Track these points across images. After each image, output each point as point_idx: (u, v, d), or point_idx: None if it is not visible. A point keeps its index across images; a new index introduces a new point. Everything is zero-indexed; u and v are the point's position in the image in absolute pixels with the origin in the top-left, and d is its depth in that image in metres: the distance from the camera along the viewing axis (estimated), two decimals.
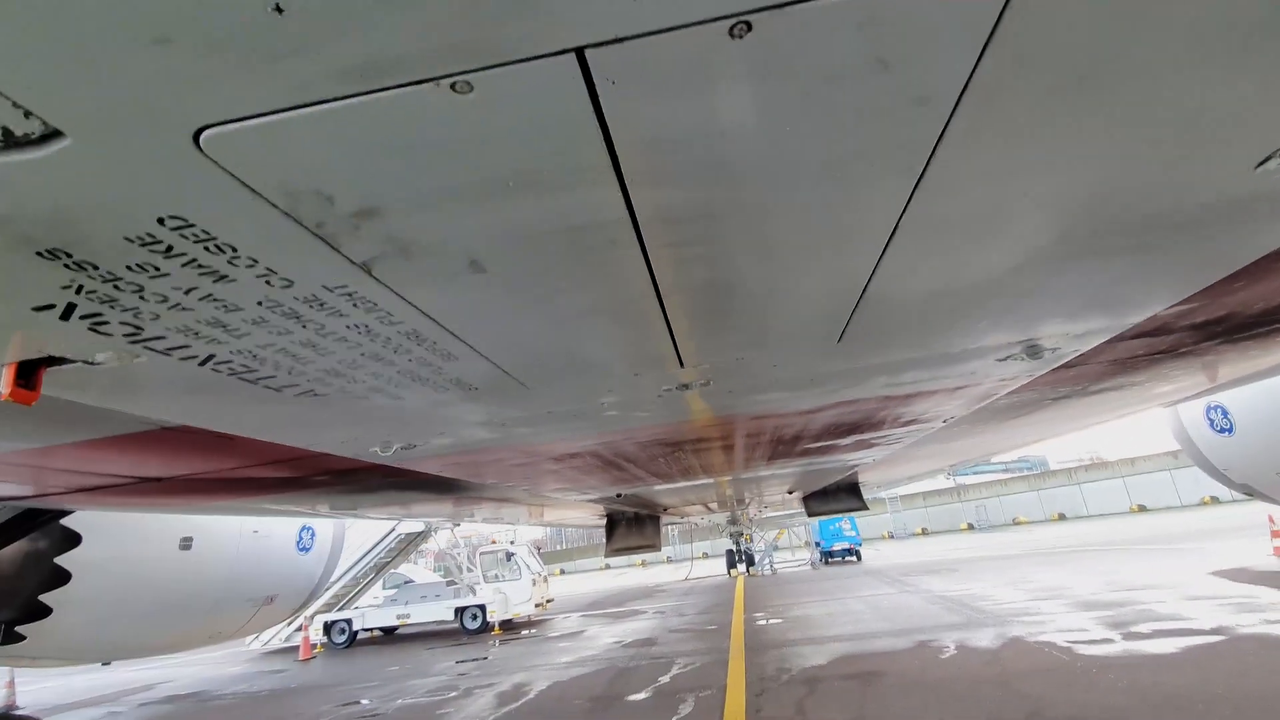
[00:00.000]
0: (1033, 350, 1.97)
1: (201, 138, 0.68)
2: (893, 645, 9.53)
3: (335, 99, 0.65)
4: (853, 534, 28.86)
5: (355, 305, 1.11)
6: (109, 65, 0.58)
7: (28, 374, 1.19)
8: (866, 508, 10.40)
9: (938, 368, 2.15)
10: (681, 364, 1.75)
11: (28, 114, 0.62)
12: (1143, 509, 41.11)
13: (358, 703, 10.11)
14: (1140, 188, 1.06)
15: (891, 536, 47.43)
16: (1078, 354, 2.12)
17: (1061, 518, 43.91)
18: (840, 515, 15.02)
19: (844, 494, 9.92)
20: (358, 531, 17.24)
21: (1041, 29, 0.68)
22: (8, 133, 0.64)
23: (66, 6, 0.52)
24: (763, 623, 13.33)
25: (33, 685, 15.09)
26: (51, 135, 0.65)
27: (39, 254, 0.85)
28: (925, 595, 14.55)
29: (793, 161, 0.84)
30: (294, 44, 0.58)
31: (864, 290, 1.33)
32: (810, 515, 11.07)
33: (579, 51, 0.62)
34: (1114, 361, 3.44)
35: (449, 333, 1.30)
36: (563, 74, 0.65)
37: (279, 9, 0.54)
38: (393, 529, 17.74)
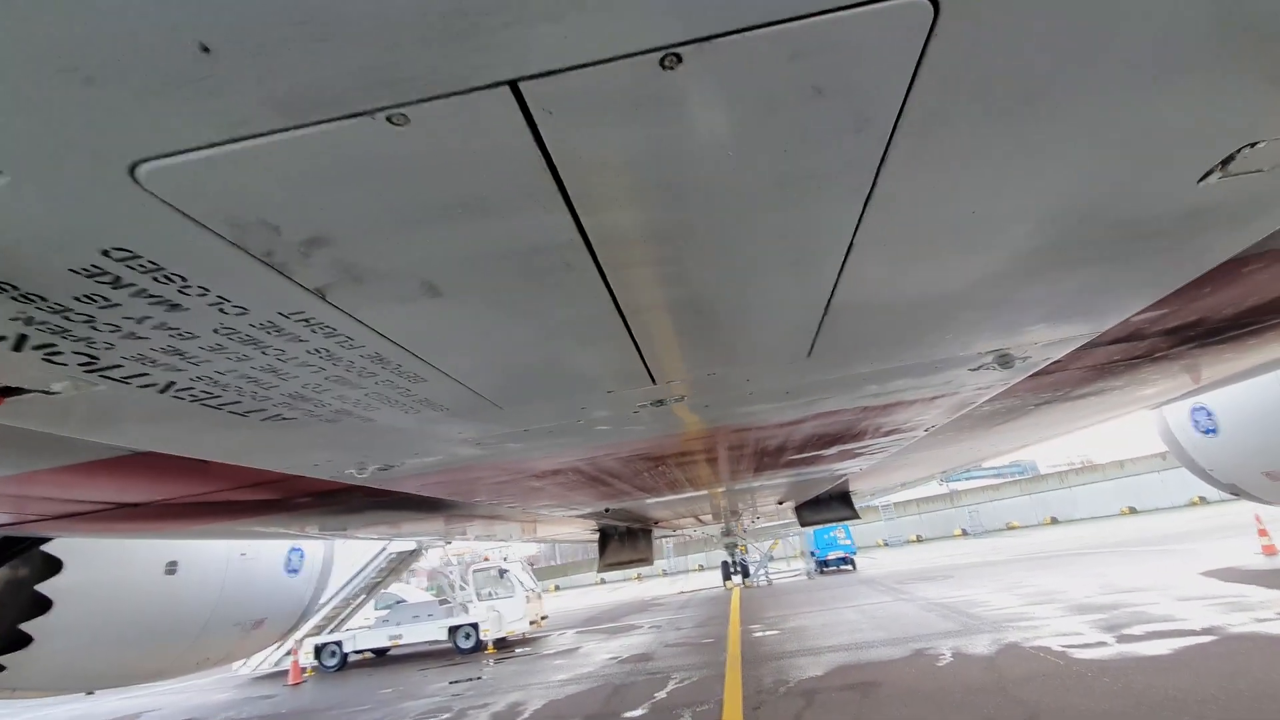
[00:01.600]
0: (1004, 360, 1.98)
1: (138, 172, 0.68)
2: (889, 654, 9.51)
3: (271, 132, 0.65)
4: (847, 542, 28.82)
5: (314, 331, 1.11)
6: (42, 104, 0.58)
7: None
8: (858, 516, 10.41)
9: (912, 378, 2.16)
10: (654, 380, 1.75)
11: None
12: (1133, 511, 41.38)
13: None
14: (1089, 203, 1.08)
15: (886, 544, 47.43)
16: (1050, 361, 2.14)
17: (1054, 521, 44.11)
18: (833, 524, 15.01)
19: (835, 503, 9.92)
20: (348, 551, 17.03)
21: (969, 56, 0.69)
22: None
23: None
24: (759, 635, 13.26)
25: (12, 718, 14.74)
26: None
27: None
28: (921, 603, 14.54)
29: (740, 184, 0.85)
30: (224, 81, 0.58)
31: (827, 305, 1.34)
32: (803, 525, 11.05)
33: (513, 84, 0.63)
34: (1092, 367, 3.48)
35: (413, 355, 1.29)
36: (499, 106, 0.65)
37: (205, 49, 0.54)
38: (383, 548, 17.56)
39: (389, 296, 1.02)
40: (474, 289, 1.04)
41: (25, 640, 6.10)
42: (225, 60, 0.55)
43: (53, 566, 6.32)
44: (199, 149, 0.66)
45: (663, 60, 0.63)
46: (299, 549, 10.38)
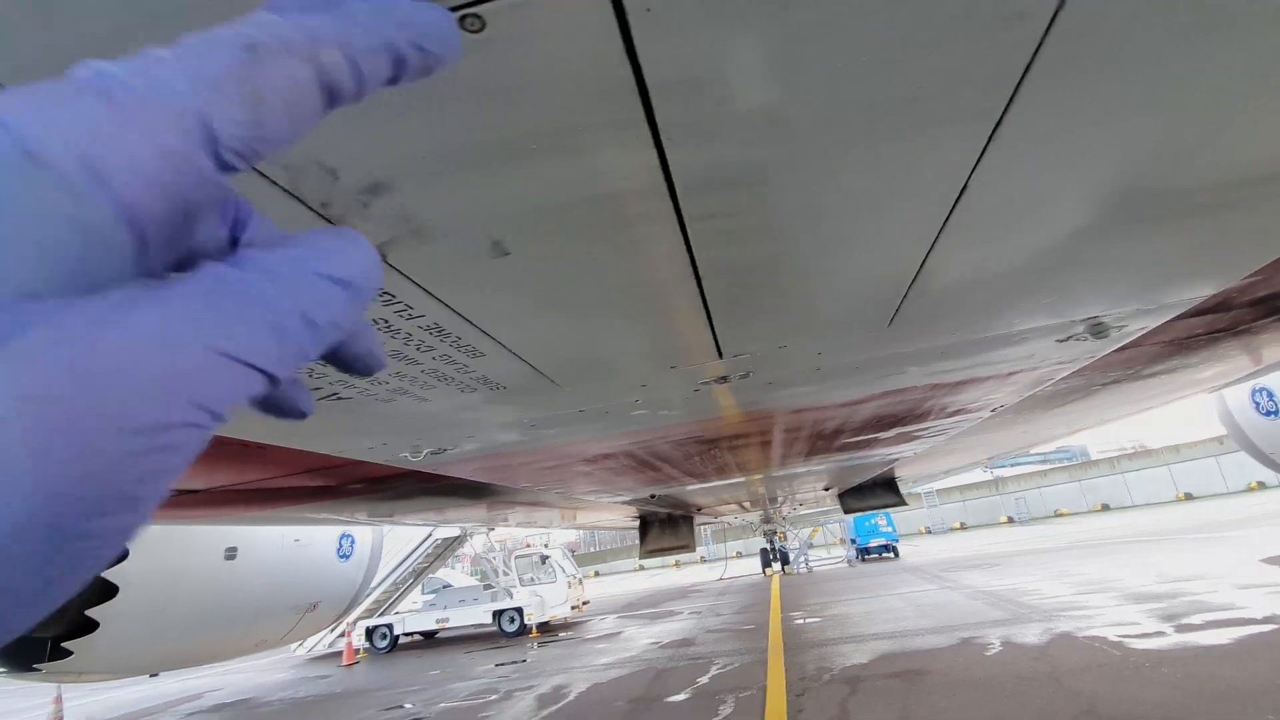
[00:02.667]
0: (1097, 329, 1.83)
1: None
2: (935, 643, 9.31)
3: None
4: (889, 530, 28.38)
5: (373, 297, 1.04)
6: (63, 11, 0.51)
7: None
8: (905, 503, 10.16)
9: (993, 350, 2.01)
10: (720, 354, 1.65)
11: None
12: (1189, 497, 39.85)
13: (401, 706, 10.23)
14: (1244, 129, 0.93)
15: (929, 531, 46.64)
16: (1143, 332, 1.97)
17: (1105, 508, 42.72)
18: (877, 511, 14.77)
19: (881, 489, 9.69)
20: (396, 538, 17.48)
21: None
22: None
23: None
24: (800, 622, 13.15)
25: (81, 699, 15.53)
26: None
27: None
28: (967, 591, 14.21)
29: (858, 105, 0.74)
30: None
31: (923, 262, 1.22)
32: (846, 512, 10.86)
33: None
34: (1170, 342, 3.26)
35: (474, 326, 1.22)
36: (590, 4, 0.56)
37: None
38: (429, 534, 17.96)
39: (453, 256, 0.94)
40: (543, 247, 0.96)
41: (92, 626, 6.35)
42: None
43: (121, 555, 6.58)
44: None
45: None
46: (350, 535, 10.70)
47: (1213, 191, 1.10)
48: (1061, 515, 43.68)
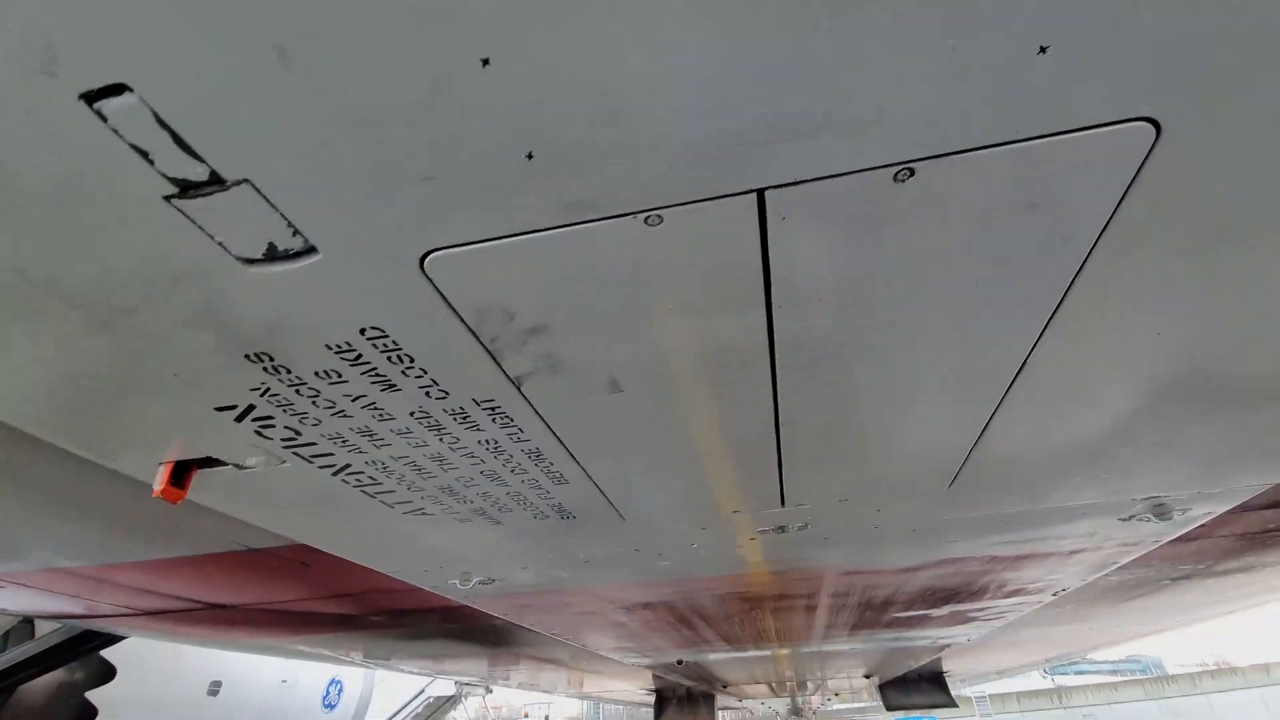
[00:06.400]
0: (1159, 510, 1.82)
1: (427, 260, 0.80)
2: None
3: (547, 229, 0.76)
4: None
5: (494, 420, 1.18)
6: (379, 195, 0.71)
7: (179, 474, 1.28)
8: (955, 704, 9.05)
9: (1053, 525, 2.00)
10: (783, 502, 1.70)
11: (295, 232, 0.75)
12: None
13: None
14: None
15: None
16: (1210, 517, 1.94)
17: None
18: (922, 713, 13.14)
19: (927, 684, 8.72)
20: (384, 691, 16.22)
21: (1178, 182, 0.74)
22: (273, 247, 0.77)
23: (357, 149, 0.66)
24: None
25: None
26: (307, 251, 0.78)
27: (247, 356, 0.96)
28: None
29: (930, 298, 0.90)
30: (531, 184, 0.69)
31: (982, 431, 1.31)
32: (888, 709, 9.71)
33: (760, 192, 0.72)
34: (1241, 535, 3.13)
35: (568, 453, 1.33)
36: (742, 211, 0.75)
37: (530, 156, 0.66)
38: (421, 691, 16.65)
39: (576, 389, 1.08)
40: (653, 387, 1.10)
41: None
42: (541, 166, 0.67)
43: (107, 674, 6.33)
44: (483, 241, 0.77)
45: (897, 174, 0.71)
46: (339, 681, 10.07)
47: (1269, 381, 1.19)
48: None
